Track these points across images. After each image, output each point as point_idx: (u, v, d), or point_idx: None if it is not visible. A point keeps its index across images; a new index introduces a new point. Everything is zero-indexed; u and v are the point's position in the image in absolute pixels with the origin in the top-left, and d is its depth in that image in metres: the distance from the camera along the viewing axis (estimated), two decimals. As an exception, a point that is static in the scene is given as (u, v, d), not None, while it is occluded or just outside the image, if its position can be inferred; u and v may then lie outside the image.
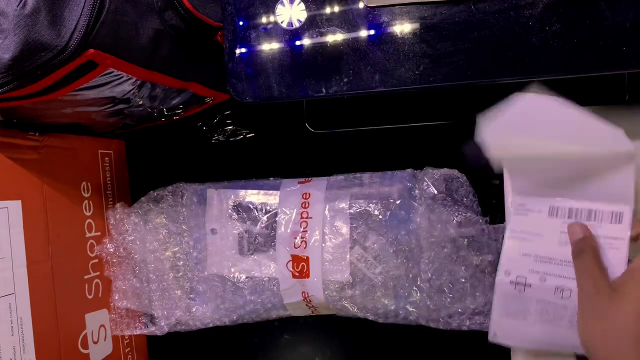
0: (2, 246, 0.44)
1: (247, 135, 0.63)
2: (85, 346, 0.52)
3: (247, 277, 0.53)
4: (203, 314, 0.53)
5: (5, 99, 0.38)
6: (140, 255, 0.56)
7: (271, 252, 0.53)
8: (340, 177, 0.55)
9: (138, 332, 0.56)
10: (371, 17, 0.40)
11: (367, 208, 0.51)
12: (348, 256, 0.50)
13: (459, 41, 0.39)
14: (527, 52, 0.38)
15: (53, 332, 0.48)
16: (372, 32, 0.40)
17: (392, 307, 0.51)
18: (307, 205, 0.52)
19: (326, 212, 0.52)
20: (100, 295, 0.55)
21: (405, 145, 0.59)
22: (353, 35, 0.40)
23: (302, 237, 0.51)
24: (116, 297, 0.56)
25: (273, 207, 0.54)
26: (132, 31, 0.41)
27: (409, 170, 0.53)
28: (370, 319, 0.52)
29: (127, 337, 0.59)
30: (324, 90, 0.41)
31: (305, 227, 0.51)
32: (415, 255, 0.50)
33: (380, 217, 0.51)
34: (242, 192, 0.55)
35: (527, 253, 0.44)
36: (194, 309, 0.55)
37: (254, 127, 0.63)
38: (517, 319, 0.44)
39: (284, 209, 0.53)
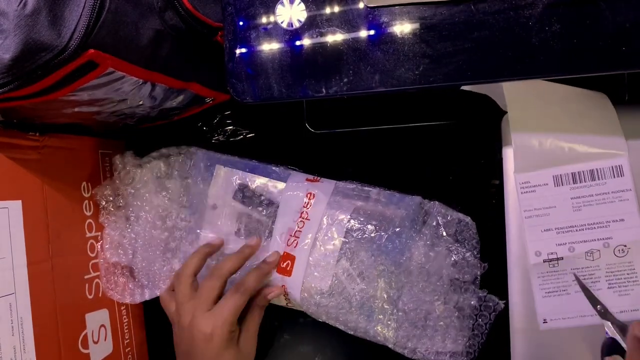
0: (2, 246, 0.44)
1: (247, 135, 0.63)
2: (86, 346, 0.52)
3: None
4: None
5: (6, 99, 0.38)
6: (136, 211, 0.55)
7: (264, 243, 0.53)
8: (349, 185, 0.54)
9: (127, 298, 0.56)
10: (371, 17, 0.40)
11: (366, 226, 0.51)
12: (333, 267, 0.50)
13: (459, 41, 0.39)
14: (527, 52, 0.38)
15: (53, 332, 0.48)
16: (372, 32, 0.40)
17: (362, 325, 0.51)
18: (308, 206, 0.52)
19: (325, 218, 0.51)
20: (100, 295, 0.55)
21: (405, 145, 0.59)
22: (353, 35, 0.40)
23: (295, 236, 0.51)
24: (106, 246, 0.55)
25: (276, 198, 0.54)
26: (133, 31, 0.41)
27: (418, 198, 0.53)
28: (340, 328, 0.52)
29: (127, 337, 0.59)
30: (324, 90, 0.41)
31: (301, 227, 0.52)
32: (400, 283, 0.50)
33: (376, 238, 0.51)
34: (249, 176, 0.55)
35: (547, 228, 0.45)
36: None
37: (254, 127, 0.63)
38: (560, 295, 0.46)
39: (286, 203, 0.53)
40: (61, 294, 0.49)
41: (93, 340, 0.53)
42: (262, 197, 0.54)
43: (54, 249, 0.49)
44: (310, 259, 0.51)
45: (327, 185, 0.54)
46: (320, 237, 0.51)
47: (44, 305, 0.47)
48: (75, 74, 0.39)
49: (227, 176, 0.55)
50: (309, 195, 0.53)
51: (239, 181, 0.55)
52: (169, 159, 0.57)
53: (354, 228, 0.51)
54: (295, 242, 0.51)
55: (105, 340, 0.55)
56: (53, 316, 0.48)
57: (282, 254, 0.52)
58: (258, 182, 0.54)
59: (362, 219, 0.51)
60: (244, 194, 0.54)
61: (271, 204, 0.54)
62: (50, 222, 0.49)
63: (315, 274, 0.51)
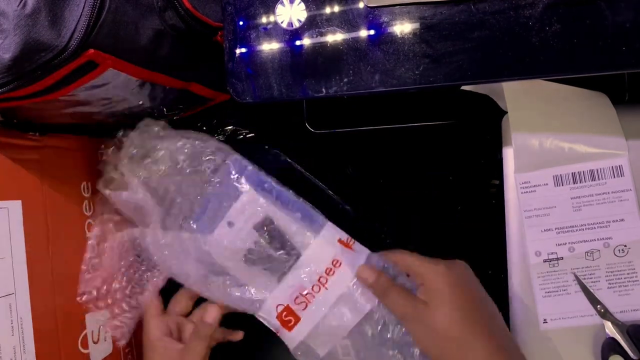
0: (2, 246, 0.44)
1: (247, 135, 0.63)
2: (86, 346, 0.52)
3: (238, 285, 0.50)
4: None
5: (6, 99, 0.39)
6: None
7: (270, 282, 0.49)
8: (381, 263, 0.48)
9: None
10: (371, 17, 0.40)
11: (387, 321, 0.47)
12: (337, 341, 0.48)
13: (459, 41, 0.39)
14: (527, 52, 0.38)
15: (53, 332, 0.48)
16: (372, 32, 0.40)
17: None
18: (330, 273, 0.48)
19: (345, 292, 0.47)
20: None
21: (405, 145, 0.59)
22: (353, 35, 0.40)
23: (305, 297, 0.48)
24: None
25: (299, 247, 0.49)
26: (133, 31, 0.41)
27: None
28: None
29: (127, 337, 0.59)
30: (324, 90, 0.41)
31: (315, 292, 0.48)
32: None
33: (393, 336, 0.47)
34: (277, 213, 0.49)
35: (547, 228, 0.46)
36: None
37: (254, 127, 0.63)
38: (560, 295, 0.46)
39: (308, 261, 0.49)
40: (61, 294, 0.49)
41: (93, 340, 0.53)
42: (284, 240, 0.49)
43: (54, 249, 0.49)
44: (317, 324, 0.48)
45: (358, 256, 0.48)
46: (334, 311, 0.47)
47: (44, 305, 0.47)
48: (75, 74, 0.39)
49: (252, 203, 0.49)
50: (334, 262, 0.48)
51: (262, 215, 0.49)
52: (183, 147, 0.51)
53: (375, 319, 0.47)
54: (305, 304, 0.48)
55: (105, 340, 0.55)
56: (53, 316, 0.48)
57: (284, 305, 0.49)
58: (284, 222, 0.49)
59: (386, 314, 0.46)
60: (266, 228, 0.49)
61: (291, 249, 0.49)
62: (50, 222, 0.49)
63: (316, 339, 0.48)
